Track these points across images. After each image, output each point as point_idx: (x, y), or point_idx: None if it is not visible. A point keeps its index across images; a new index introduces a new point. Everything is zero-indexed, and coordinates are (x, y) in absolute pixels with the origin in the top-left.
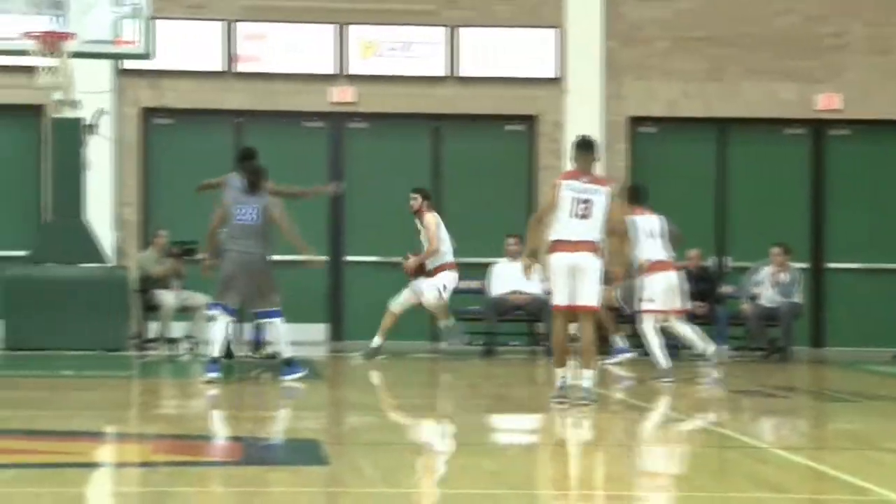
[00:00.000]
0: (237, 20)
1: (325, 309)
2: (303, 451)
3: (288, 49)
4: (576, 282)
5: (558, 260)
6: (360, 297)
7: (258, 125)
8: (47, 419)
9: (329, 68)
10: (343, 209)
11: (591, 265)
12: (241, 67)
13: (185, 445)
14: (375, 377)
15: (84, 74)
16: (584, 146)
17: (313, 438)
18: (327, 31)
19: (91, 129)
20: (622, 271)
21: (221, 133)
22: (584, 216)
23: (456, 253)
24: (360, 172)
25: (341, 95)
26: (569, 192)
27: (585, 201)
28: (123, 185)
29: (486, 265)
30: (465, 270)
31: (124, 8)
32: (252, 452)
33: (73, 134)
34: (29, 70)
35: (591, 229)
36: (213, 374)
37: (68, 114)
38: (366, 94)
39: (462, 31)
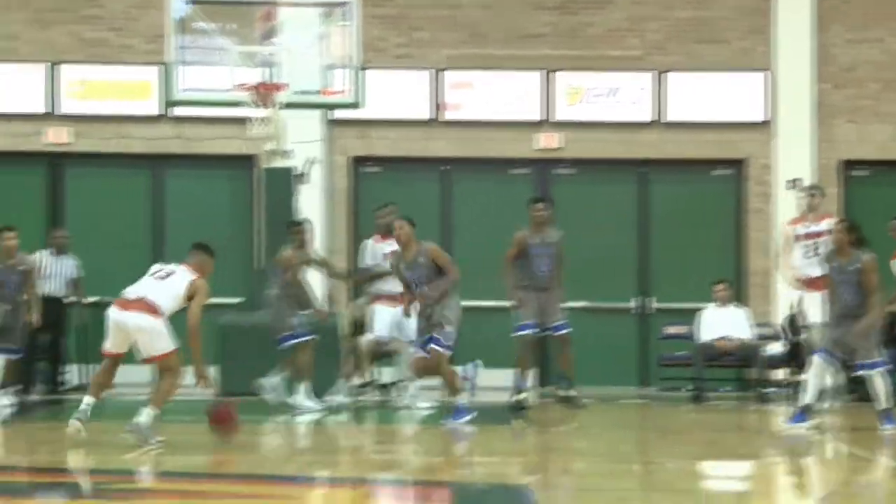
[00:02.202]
0: (444, 69)
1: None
2: (513, 497)
3: (494, 96)
4: None
5: None
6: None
7: (464, 172)
8: (267, 463)
9: (535, 115)
10: None
11: None
12: (448, 115)
13: (396, 491)
14: (583, 422)
15: (295, 125)
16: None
17: (523, 483)
18: (533, 78)
19: (302, 178)
20: None
21: (428, 180)
22: None
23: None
24: (566, 218)
25: (547, 142)
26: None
27: None
28: (333, 233)
29: (694, 311)
30: (673, 316)
31: (334, 59)
32: (461, 498)
33: (284, 183)
34: (241, 121)
35: None
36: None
37: (280, 163)
38: (572, 140)
39: (669, 76)
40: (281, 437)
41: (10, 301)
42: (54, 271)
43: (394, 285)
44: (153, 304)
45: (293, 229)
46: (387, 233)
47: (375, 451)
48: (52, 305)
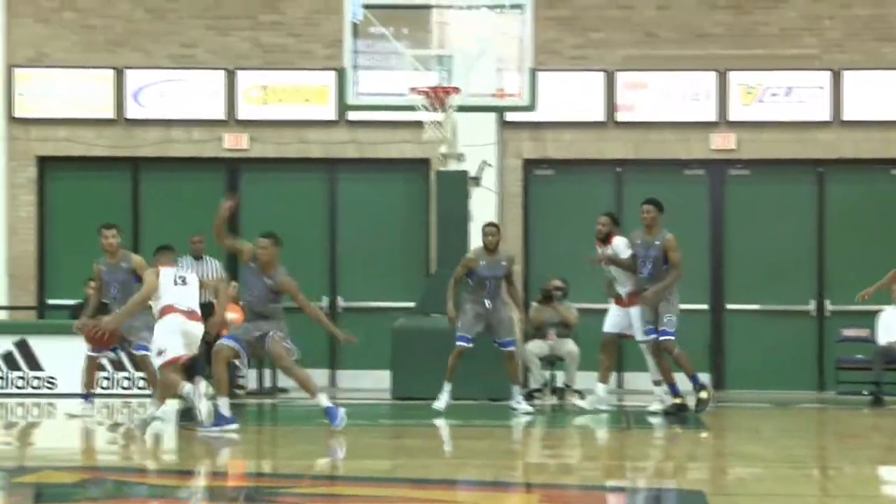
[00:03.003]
0: (617, 70)
1: (705, 358)
2: (687, 503)
3: (668, 97)
4: None
5: None
6: (741, 346)
7: (638, 174)
8: (438, 468)
9: (710, 115)
10: (721, 257)
11: None
12: (621, 117)
13: (572, 495)
14: (758, 427)
15: (468, 128)
16: None
17: (698, 490)
18: (708, 78)
19: (475, 181)
20: None
21: (601, 183)
22: None
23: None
24: (739, 219)
25: (722, 142)
26: None
27: None
28: (506, 236)
29: (873, 313)
30: (850, 318)
31: (508, 61)
32: (635, 502)
33: (458, 186)
34: (416, 125)
35: None
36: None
37: (453, 167)
38: (746, 141)
39: (846, 74)
40: (458, 441)
41: (120, 301)
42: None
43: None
44: (198, 312)
45: (485, 230)
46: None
47: (552, 455)
48: None
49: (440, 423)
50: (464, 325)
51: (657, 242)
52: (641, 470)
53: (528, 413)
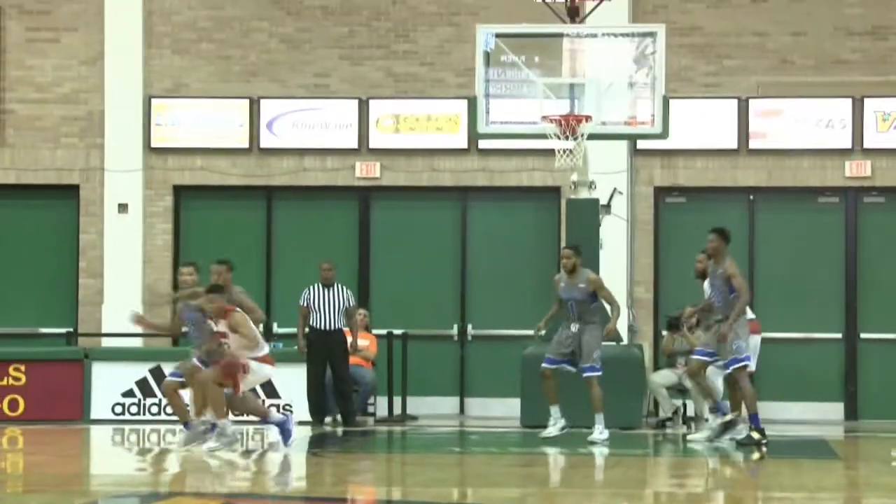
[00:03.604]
0: (751, 97)
1: (839, 387)
2: None
3: (802, 124)
4: None
5: None
6: (875, 375)
7: (771, 202)
8: (568, 497)
9: (845, 142)
10: (856, 285)
11: None
12: (754, 144)
13: None
14: (889, 458)
15: (599, 155)
16: None
17: None
18: (843, 105)
19: (606, 208)
20: None
21: (733, 210)
22: None
23: None
24: (874, 247)
25: (857, 170)
26: None
27: None
28: (636, 264)
29: None
30: None
31: (640, 89)
32: None
33: (588, 214)
34: (547, 153)
35: None
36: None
37: (584, 195)
38: (881, 168)
39: None
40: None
41: (196, 338)
42: (323, 304)
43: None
44: None
45: (561, 253)
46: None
47: (677, 485)
48: (324, 337)
49: (572, 450)
50: (551, 347)
51: (720, 271)
52: (775, 500)
53: (604, 441)
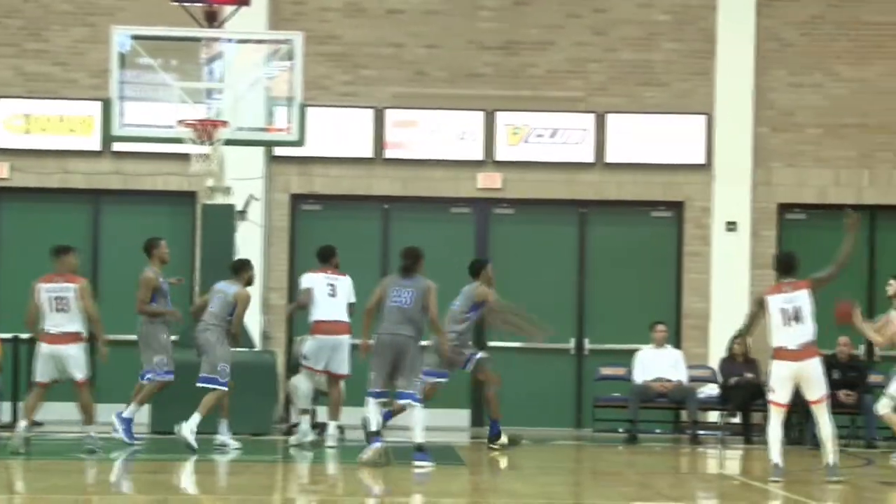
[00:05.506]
0: (386, 107)
1: (466, 394)
2: None
3: (436, 135)
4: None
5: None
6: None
7: (405, 211)
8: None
9: (477, 154)
10: None
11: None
12: (390, 154)
13: None
14: (514, 464)
15: (236, 161)
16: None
17: None
18: (476, 118)
19: (242, 214)
20: None
21: (369, 219)
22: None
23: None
24: (503, 257)
25: (488, 181)
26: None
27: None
28: (271, 270)
29: (632, 352)
30: (609, 357)
31: (277, 96)
32: None
33: (224, 220)
34: (183, 157)
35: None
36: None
37: (220, 200)
38: (511, 180)
39: (610, 117)
40: (215, 476)
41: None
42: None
43: None
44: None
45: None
46: None
47: (306, 491)
48: None
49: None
50: None
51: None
52: None
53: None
